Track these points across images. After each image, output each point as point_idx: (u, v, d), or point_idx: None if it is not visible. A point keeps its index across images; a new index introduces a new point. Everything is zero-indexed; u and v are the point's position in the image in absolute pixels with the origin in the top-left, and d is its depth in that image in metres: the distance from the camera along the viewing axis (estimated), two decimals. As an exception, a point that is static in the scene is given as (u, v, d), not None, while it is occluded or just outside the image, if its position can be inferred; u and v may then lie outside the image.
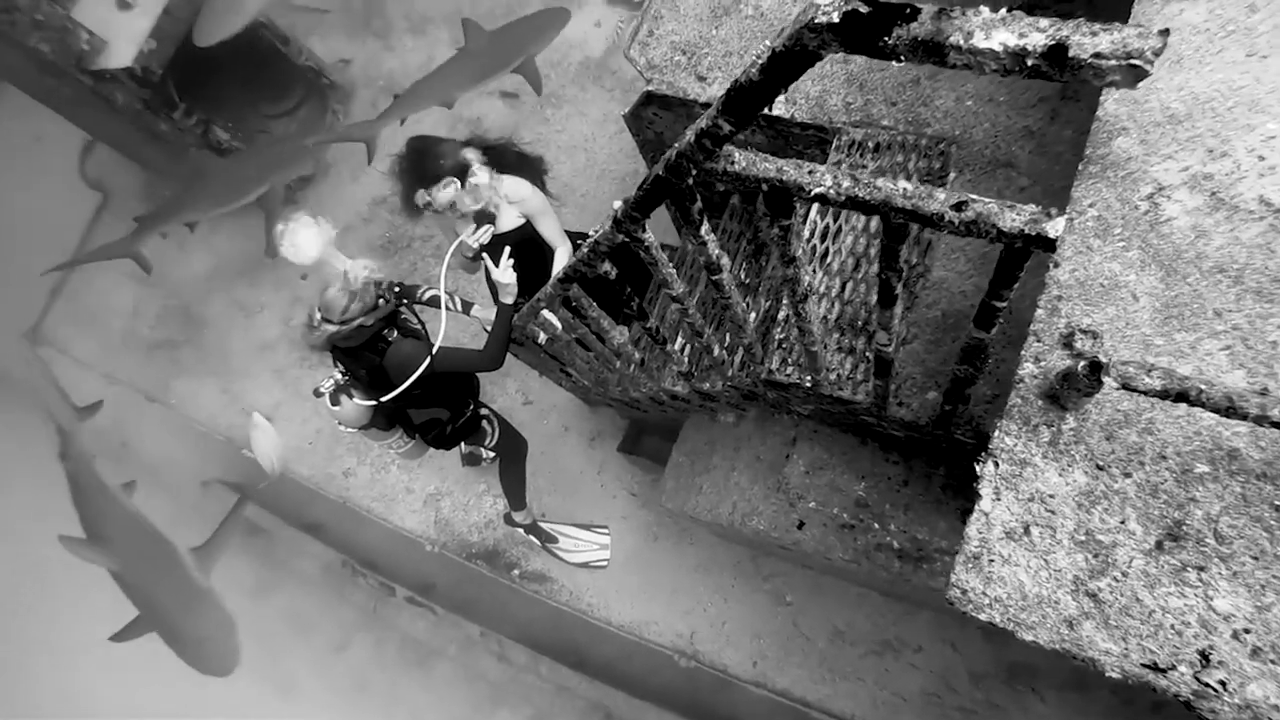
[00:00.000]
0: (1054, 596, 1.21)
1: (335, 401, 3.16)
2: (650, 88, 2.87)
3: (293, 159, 5.55)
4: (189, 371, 6.38)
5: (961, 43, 0.72)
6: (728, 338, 2.67)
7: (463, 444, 3.86)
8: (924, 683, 4.11)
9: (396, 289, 3.12)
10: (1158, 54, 0.66)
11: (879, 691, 4.16)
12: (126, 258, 5.79)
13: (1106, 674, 1.16)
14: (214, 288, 6.54)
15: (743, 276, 2.99)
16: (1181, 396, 1.05)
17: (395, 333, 3.07)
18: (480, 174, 3.12)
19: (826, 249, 2.46)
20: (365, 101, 6.66)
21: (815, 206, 2.50)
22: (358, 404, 3.16)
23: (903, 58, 0.76)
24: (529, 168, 3.41)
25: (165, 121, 5.52)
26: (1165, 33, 0.67)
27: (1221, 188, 1.36)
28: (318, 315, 2.95)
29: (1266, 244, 1.31)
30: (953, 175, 2.39)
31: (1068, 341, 1.28)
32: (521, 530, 4.68)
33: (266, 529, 7.15)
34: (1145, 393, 1.07)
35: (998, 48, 0.71)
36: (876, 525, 2.55)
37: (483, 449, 3.97)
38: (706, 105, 2.79)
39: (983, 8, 0.73)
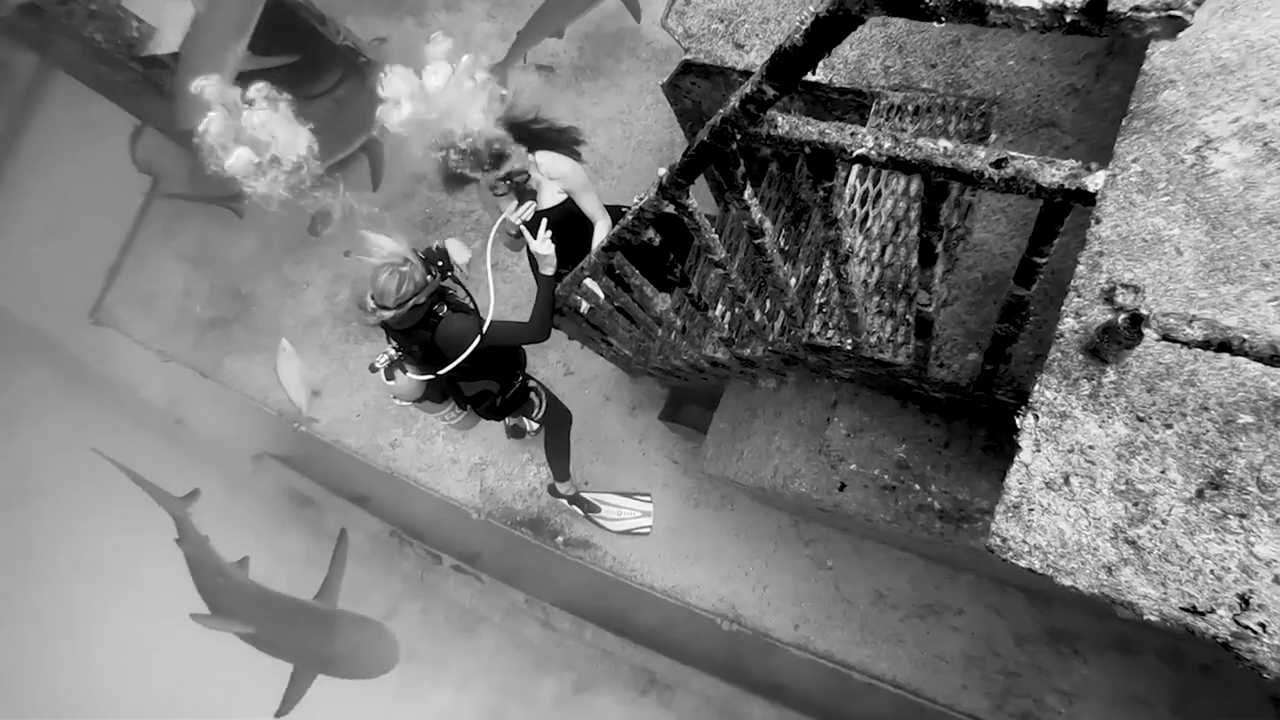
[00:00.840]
0: (1093, 544, 1.25)
1: (390, 376, 3.26)
2: (688, 57, 2.89)
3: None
4: (240, 348, 6.58)
5: (1001, 1, 0.75)
6: (768, 304, 2.71)
7: (508, 417, 3.96)
8: (965, 645, 4.15)
9: (439, 262, 3.18)
10: (1199, 3, 0.68)
11: (920, 654, 4.21)
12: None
13: (1145, 617, 1.20)
14: (261, 267, 6.72)
15: (782, 243, 3.01)
16: (1224, 346, 1.07)
17: (445, 308, 3.15)
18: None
19: (866, 213, 2.47)
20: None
21: (855, 171, 2.51)
22: (412, 379, 3.26)
23: (944, 19, 0.79)
24: (564, 141, 3.45)
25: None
26: (1202, -14, 0.69)
27: (1275, 137, 1.36)
28: (371, 302, 3.02)
29: (1315, 194, 1.30)
30: (994, 136, 2.38)
31: (1109, 296, 1.29)
32: (565, 501, 4.78)
33: (316, 501, 7.40)
34: (1186, 344, 1.09)
35: (1037, 5, 0.74)
36: (918, 486, 2.59)
37: (527, 421, 4.07)
38: (745, 73, 2.81)
39: (1024, -34, 0.75)
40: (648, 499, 4.95)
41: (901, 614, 4.28)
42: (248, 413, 7.39)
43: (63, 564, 8.40)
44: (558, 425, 4.22)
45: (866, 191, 2.51)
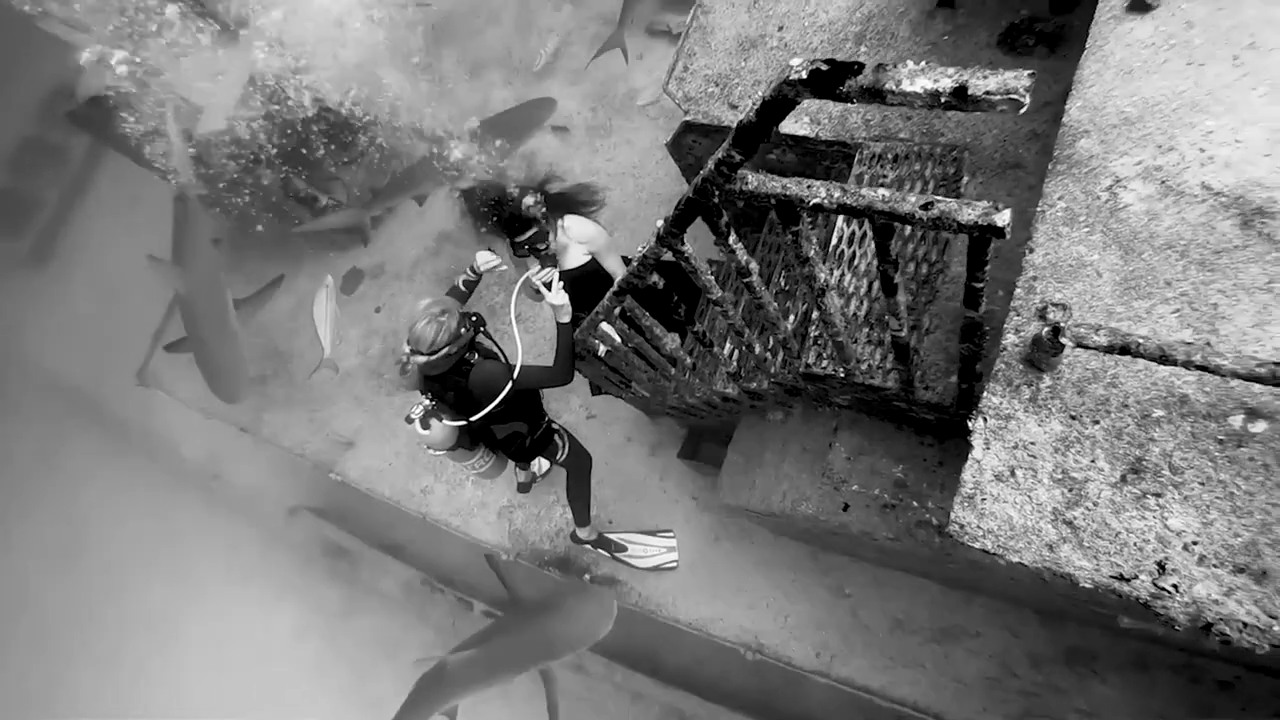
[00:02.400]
0: (1037, 526, 1.43)
1: (425, 425, 3.49)
2: (688, 118, 3.18)
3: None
4: (278, 403, 6.90)
5: (894, 88, 0.99)
6: (770, 340, 2.94)
7: (518, 470, 4.14)
8: (984, 667, 4.23)
9: (473, 317, 3.44)
10: (1028, 90, 0.91)
11: (939, 677, 4.28)
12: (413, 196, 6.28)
13: (1080, 583, 1.37)
14: (296, 325, 7.08)
15: (782, 283, 3.25)
16: (1124, 350, 1.27)
17: (475, 355, 3.40)
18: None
19: (854, 252, 2.71)
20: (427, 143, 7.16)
21: (843, 217, 2.76)
22: (446, 425, 3.49)
23: (854, 100, 1.02)
24: (585, 199, 3.74)
25: (249, 177, 6.09)
26: (1032, 74, 0.92)
27: (1169, 176, 1.58)
28: (406, 349, 3.25)
29: (1208, 222, 1.52)
30: (966, 179, 2.62)
31: (1042, 314, 1.50)
32: (588, 546, 4.94)
33: (350, 551, 7.63)
34: (1095, 348, 1.29)
35: (920, 90, 0.97)
36: (915, 504, 2.76)
37: (541, 462, 4.26)
38: (739, 130, 3.08)
39: (909, 61, 0.99)
40: (670, 535, 5.12)
41: (920, 639, 4.37)
42: (284, 466, 7.70)
43: (111, 618, 8.66)
44: (579, 468, 4.42)
45: (854, 233, 2.74)
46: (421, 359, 3.20)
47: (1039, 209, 1.67)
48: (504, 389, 3.27)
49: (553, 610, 4.84)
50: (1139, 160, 1.62)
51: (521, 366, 3.31)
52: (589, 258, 3.69)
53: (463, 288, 3.60)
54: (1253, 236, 1.49)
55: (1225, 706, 3.73)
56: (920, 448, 2.81)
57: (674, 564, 5.04)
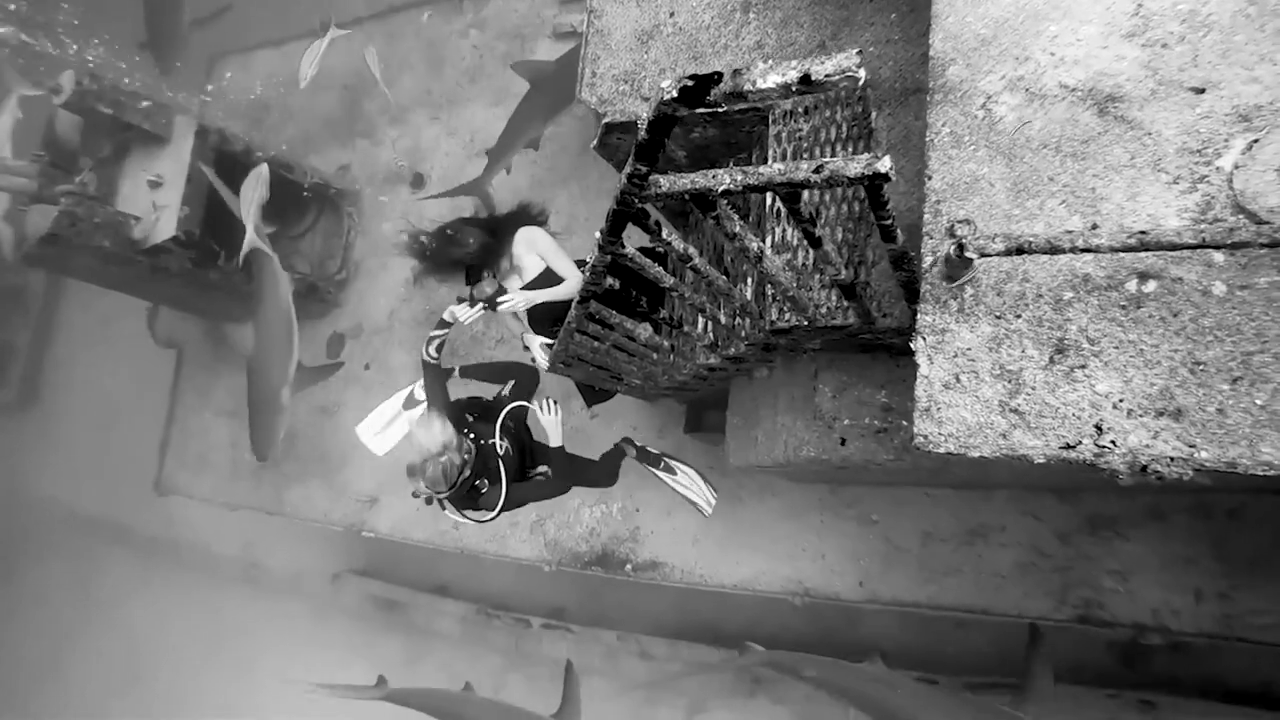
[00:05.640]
0: (988, 420, 1.60)
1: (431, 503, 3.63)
2: (607, 119, 3.32)
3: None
4: (294, 479, 7.05)
5: (752, 88, 1.14)
6: (735, 309, 3.10)
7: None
8: (1017, 556, 4.43)
9: (468, 414, 3.69)
10: (860, 66, 1.07)
11: (979, 576, 4.49)
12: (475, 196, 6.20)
13: (1035, 461, 1.55)
14: (293, 401, 7.22)
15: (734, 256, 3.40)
16: (1020, 250, 1.44)
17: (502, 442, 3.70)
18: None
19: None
20: (371, 197, 7.28)
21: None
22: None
23: (723, 106, 1.18)
24: (533, 216, 3.88)
25: (213, 271, 6.21)
26: (860, 53, 1.08)
27: (1031, 84, 1.74)
28: (424, 490, 3.38)
29: (1070, 117, 1.68)
30: (874, 114, 2.78)
31: (951, 231, 1.66)
32: (634, 453, 4.77)
33: (400, 601, 7.81)
34: (996, 254, 1.46)
35: (773, 85, 1.13)
36: (905, 422, 2.94)
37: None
38: (657, 119, 3.23)
39: (758, 62, 1.15)
40: (715, 491, 4.99)
41: (951, 545, 4.57)
42: (316, 537, 7.86)
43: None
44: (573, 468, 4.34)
45: (785, 189, 2.90)
46: (445, 493, 3.37)
47: (927, 138, 1.83)
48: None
49: None
50: (1002, 75, 1.78)
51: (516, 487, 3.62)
52: (543, 265, 3.83)
53: (433, 354, 3.78)
54: (1110, 121, 1.65)
55: (1238, 532, 3.94)
56: (897, 370, 2.98)
57: (705, 509, 4.79)
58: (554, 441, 3.77)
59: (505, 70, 6.80)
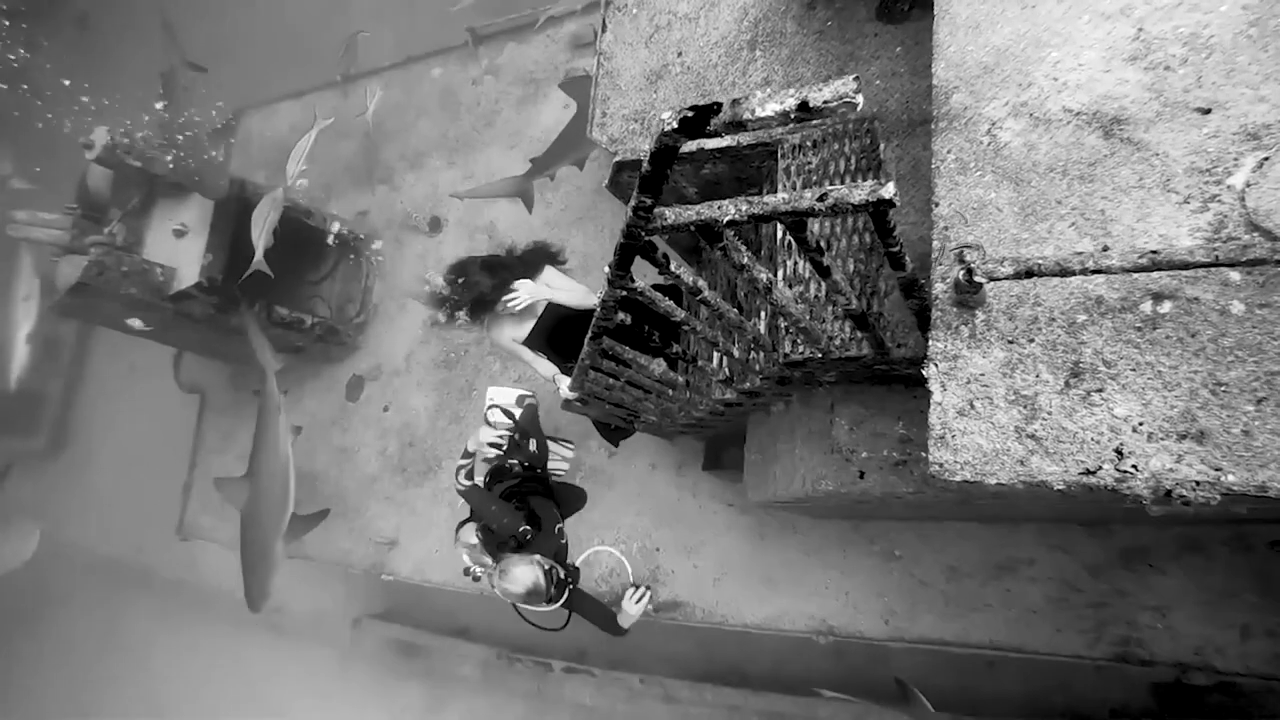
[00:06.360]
0: (1005, 447, 1.57)
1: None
2: (618, 158, 3.36)
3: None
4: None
5: (751, 116, 1.15)
6: (749, 343, 3.09)
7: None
8: (1047, 591, 4.30)
9: (524, 530, 3.71)
10: (858, 91, 1.07)
11: (1008, 612, 4.36)
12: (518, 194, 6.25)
13: (1055, 488, 1.51)
14: (313, 444, 7.26)
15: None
16: (1030, 273, 1.42)
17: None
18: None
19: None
20: (390, 239, 7.40)
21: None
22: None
23: (723, 134, 1.18)
24: (549, 255, 3.92)
25: (236, 317, 6.31)
26: (857, 79, 1.08)
27: (1035, 109, 1.74)
28: (531, 600, 3.59)
29: (1076, 140, 1.67)
30: (882, 146, 2.79)
31: (959, 257, 1.65)
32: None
33: (421, 645, 7.73)
34: (1005, 278, 1.44)
35: (771, 113, 1.13)
36: (924, 454, 2.88)
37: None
38: (667, 157, 3.26)
39: (756, 91, 1.15)
40: (571, 446, 4.99)
41: (978, 580, 4.45)
42: (337, 581, 7.83)
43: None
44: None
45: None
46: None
47: (933, 165, 1.82)
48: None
49: None
50: (1006, 101, 1.78)
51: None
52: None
53: (464, 482, 4.08)
54: (1116, 143, 1.65)
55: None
56: (914, 401, 2.94)
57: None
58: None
59: (519, 115, 6.95)
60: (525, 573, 3.52)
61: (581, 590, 4.04)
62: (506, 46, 7.20)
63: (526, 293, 3.62)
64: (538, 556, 3.59)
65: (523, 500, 3.83)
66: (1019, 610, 4.35)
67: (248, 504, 5.74)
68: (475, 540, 3.82)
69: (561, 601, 3.76)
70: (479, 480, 4.13)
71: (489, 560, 3.77)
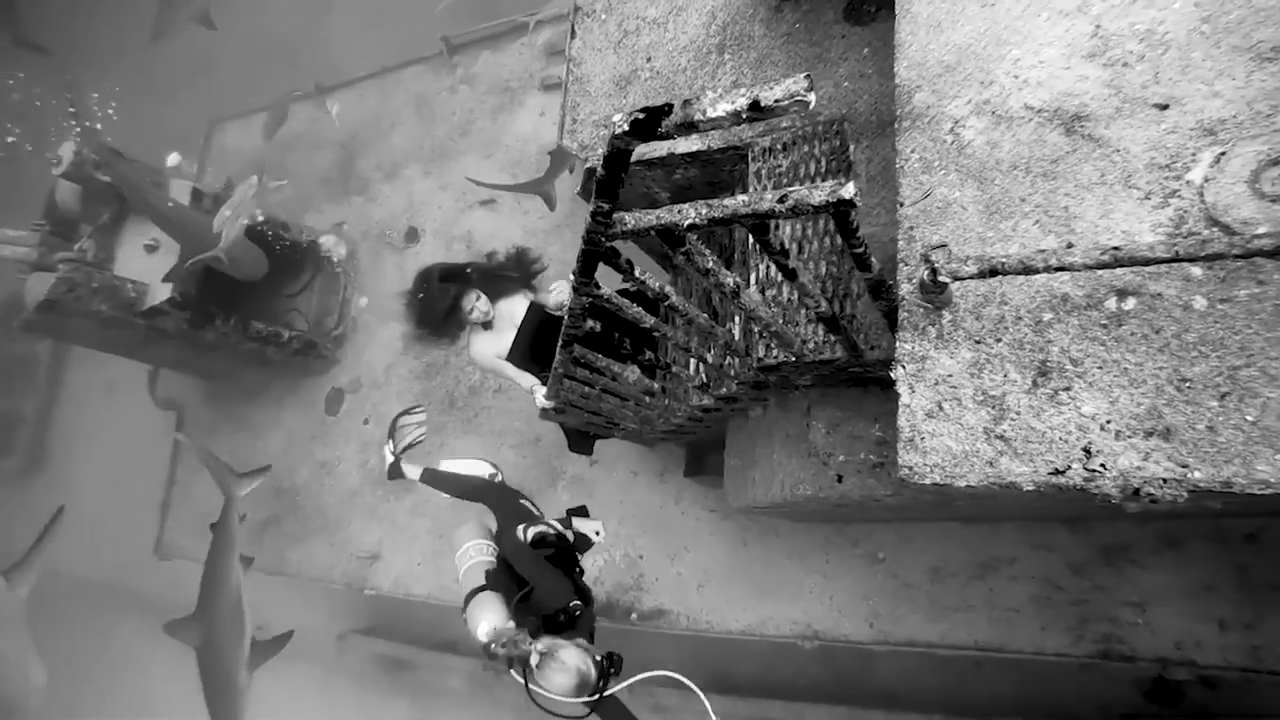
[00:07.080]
0: (974, 448, 1.55)
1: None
2: (589, 165, 3.34)
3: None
4: (296, 538, 6.97)
5: (702, 117, 1.13)
6: (724, 348, 3.07)
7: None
8: (1030, 589, 4.30)
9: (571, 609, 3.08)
10: (809, 90, 1.05)
11: (991, 611, 4.36)
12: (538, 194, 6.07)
13: (1025, 488, 1.49)
14: (293, 460, 7.18)
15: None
16: (994, 272, 1.41)
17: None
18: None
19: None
20: (368, 251, 7.34)
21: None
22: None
23: (675, 136, 1.16)
24: (526, 265, 3.89)
25: (210, 332, 6.24)
26: (809, 77, 1.07)
27: (997, 107, 1.73)
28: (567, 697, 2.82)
29: (1038, 137, 1.66)
30: (852, 147, 2.78)
31: (925, 257, 1.64)
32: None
33: (406, 660, 7.64)
34: (970, 277, 1.43)
35: (723, 113, 1.11)
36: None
37: None
38: (639, 163, 3.25)
39: (707, 91, 1.13)
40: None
41: (961, 580, 4.45)
42: (319, 597, 7.73)
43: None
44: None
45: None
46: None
47: (897, 165, 1.82)
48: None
49: None
50: (968, 99, 1.78)
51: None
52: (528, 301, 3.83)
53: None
54: (1078, 140, 1.64)
55: (1258, 557, 3.82)
56: (890, 403, 2.89)
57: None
58: None
59: (495, 123, 6.92)
60: (577, 658, 2.81)
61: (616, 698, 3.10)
62: (481, 55, 7.18)
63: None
64: (582, 640, 2.92)
65: (569, 568, 3.25)
66: (1002, 610, 4.35)
67: (203, 641, 5.46)
68: (502, 611, 3.16)
69: (599, 696, 2.89)
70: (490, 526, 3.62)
71: (524, 640, 2.89)
